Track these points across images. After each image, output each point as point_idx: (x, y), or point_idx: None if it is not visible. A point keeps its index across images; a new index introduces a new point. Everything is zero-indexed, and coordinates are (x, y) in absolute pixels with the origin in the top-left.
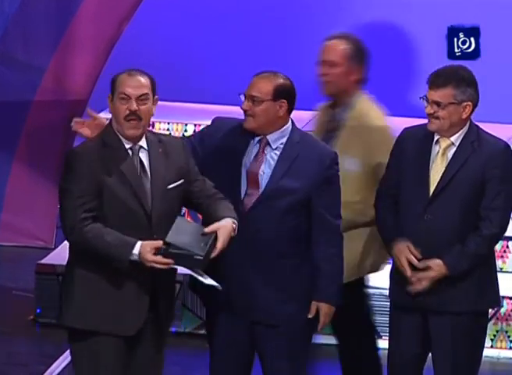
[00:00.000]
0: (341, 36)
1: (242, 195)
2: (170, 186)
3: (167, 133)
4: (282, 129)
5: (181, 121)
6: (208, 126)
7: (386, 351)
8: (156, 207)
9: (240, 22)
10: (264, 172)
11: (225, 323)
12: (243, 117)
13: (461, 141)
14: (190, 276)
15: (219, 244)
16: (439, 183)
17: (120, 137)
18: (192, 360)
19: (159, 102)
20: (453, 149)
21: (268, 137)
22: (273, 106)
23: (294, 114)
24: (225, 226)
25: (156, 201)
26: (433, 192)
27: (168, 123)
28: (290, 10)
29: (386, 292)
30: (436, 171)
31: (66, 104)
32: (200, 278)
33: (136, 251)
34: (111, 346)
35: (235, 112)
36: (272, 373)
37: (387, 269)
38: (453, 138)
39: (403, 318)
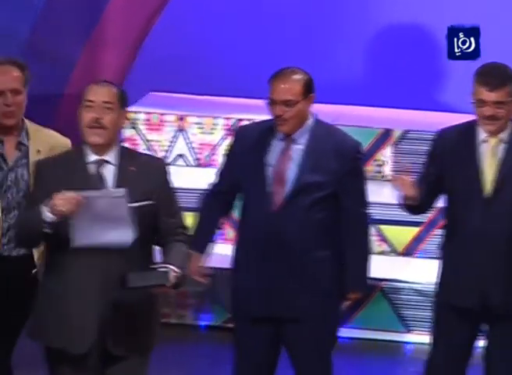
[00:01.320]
0: (10, 61)
1: (269, 194)
2: (131, 204)
3: (197, 127)
4: (306, 124)
5: (212, 115)
6: (232, 141)
7: (415, 346)
8: None
9: (268, 15)
10: (291, 168)
11: (251, 321)
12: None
13: (510, 136)
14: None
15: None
16: (493, 181)
17: (86, 150)
18: (221, 353)
19: (190, 96)
20: (502, 146)
21: (293, 134)
22: (305, 104)
23: (323, 108)
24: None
25: None
26: (489, 191)
27: (199, 117)
28: (312, 5)
29: (416, 286)
30: (488, 170)
31: None
32: None
33: (44, 205)
34: (62, 363)
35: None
36: (300, 367)
37: (416, 263)
38: (501, 135)
39: (453, 317)
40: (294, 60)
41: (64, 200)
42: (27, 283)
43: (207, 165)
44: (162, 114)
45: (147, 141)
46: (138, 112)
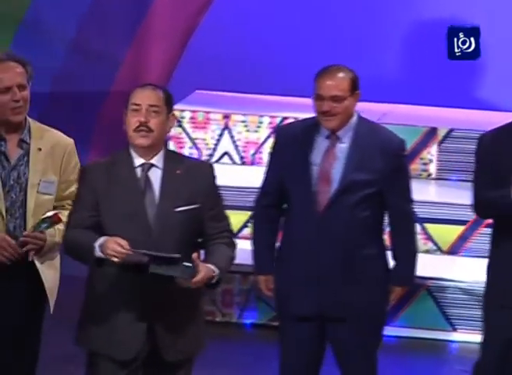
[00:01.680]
0: (11, 58)
1: (314, 193)
2: (178, 209)
3: (242, 125)
4: (350, 121)
5: (257, 113)
6: (274, 141)
7: (461, 344)
8: (158, 227)
9: (314, 13)
10: (336, 167)
11: (296, 319)
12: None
13: None
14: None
15: (200, 274)
16: None
17: (132, 154)
18: (266, 351)
19: (236, 94)
20: None
21: (338, 132)
22: (352, 101)
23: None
24: (208, 269)
25: (159, 221)
26: None
27: (244, 115)
28: (357, 3)
29: (461, 285)
30: None
31: None
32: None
33: (97, 243)
34: (108, 369)
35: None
36: (346, 366)
37: (461, 261)
38: None
39: (505, 316)
40: (339, 58)
41: (116, 251)
42: (29, 279)
43: (252, 163)
44: (208, 112)
45: (193, 139)
46: (184, 111)
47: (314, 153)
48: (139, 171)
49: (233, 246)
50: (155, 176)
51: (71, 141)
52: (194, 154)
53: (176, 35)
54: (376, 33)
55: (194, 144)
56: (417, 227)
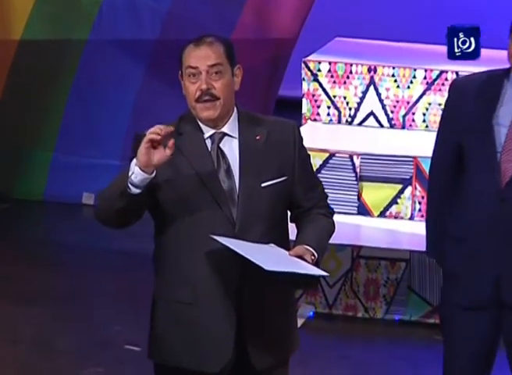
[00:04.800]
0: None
1: (498, 158)
2: (265, 183)
3: (391, 80)
4: None
5: (409, 65)
6: (448, 99)
7: None
8: (242, 208)
9: None
10: None
11: (468, 309)
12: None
13: None
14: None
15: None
16: None
17: (199, 123)
18: (419, 353)
19: (383, 42)
20: None
21: None
22: None
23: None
24: (306, 252)
25: (243, 201)
26: None
27: (394, 68)
28: None
29: None
30: None
31: (270, 43)
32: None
33: (132, 164)
34: None
35: None
36: None
37: None
38: None
39: None
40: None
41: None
42: None
43: (403, 126)
44: (350, 64)
45: (331, 96)
46: (320, 62)
47: (501, 112)
48: (209, 143)
49: (332, 215)
50: (230, 147)
51: None
52: (333, 115)
53: None
54: None
55: (333, 102)
56: None
